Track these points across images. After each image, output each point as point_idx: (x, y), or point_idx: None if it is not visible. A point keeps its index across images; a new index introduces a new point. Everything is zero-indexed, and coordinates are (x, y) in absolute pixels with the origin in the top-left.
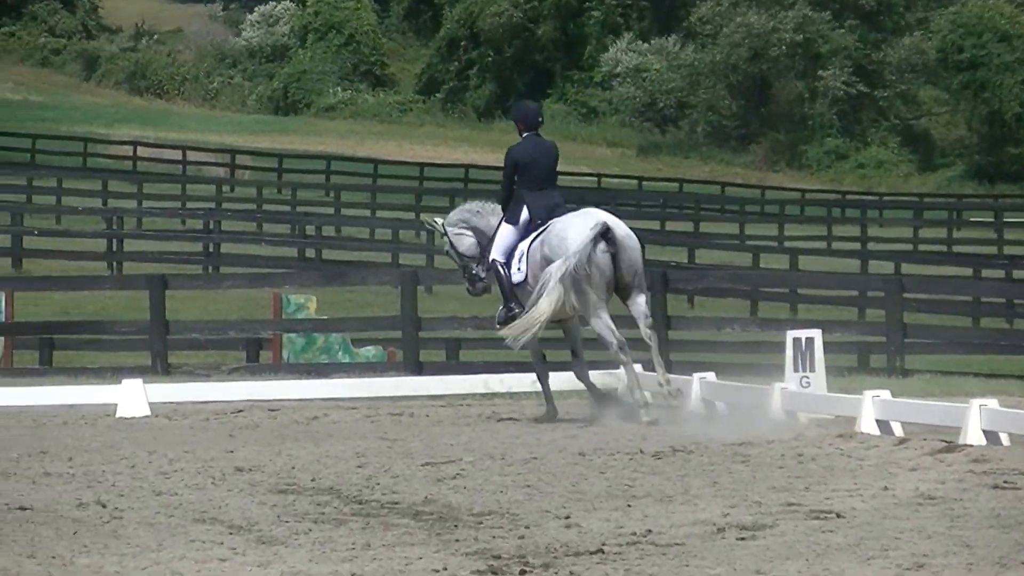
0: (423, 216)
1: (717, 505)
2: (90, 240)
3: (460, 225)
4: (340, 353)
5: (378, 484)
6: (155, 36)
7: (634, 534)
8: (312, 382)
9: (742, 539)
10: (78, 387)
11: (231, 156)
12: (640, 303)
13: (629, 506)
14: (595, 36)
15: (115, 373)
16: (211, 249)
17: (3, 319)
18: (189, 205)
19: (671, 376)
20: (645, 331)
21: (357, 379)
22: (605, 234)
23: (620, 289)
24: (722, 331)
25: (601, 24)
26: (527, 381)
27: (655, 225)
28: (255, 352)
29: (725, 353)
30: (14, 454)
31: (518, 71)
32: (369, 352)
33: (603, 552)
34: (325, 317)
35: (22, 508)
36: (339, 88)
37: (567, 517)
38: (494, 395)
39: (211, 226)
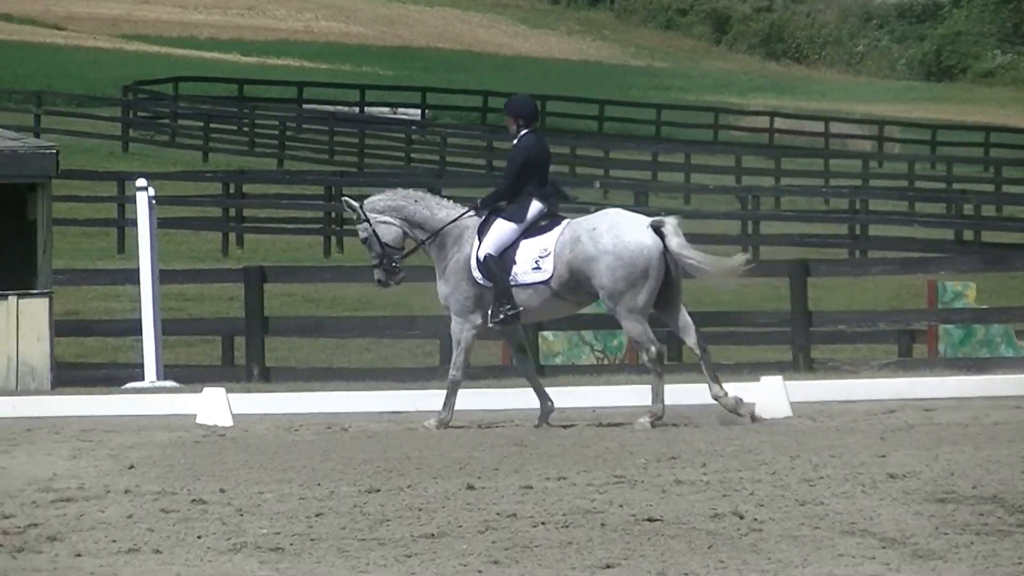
0: (343, 198)
1: None
2: (723, 221)
3: (388, 213)
4: (1003, 347)
5: None
6: None
7: None
8: (971, 379)
9: None
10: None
11: (878, 128)
12: (685, 313)
13: None
14: None
15: (753, 370)
16: (857, 231)
17: None
18: (832, 183)
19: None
20: (697, 342)
21: (1022, 375)
22: (661, 234)
23: (660, 295)
24: None
25: None
26: None
27: None
28: (907, 345)
29: None
30: (641, 460)
31: None
32: None
33: None
34: (985, 307)
35: (651, 519)
36: (998, 51)
37: None
38: None
39: (857, 206)
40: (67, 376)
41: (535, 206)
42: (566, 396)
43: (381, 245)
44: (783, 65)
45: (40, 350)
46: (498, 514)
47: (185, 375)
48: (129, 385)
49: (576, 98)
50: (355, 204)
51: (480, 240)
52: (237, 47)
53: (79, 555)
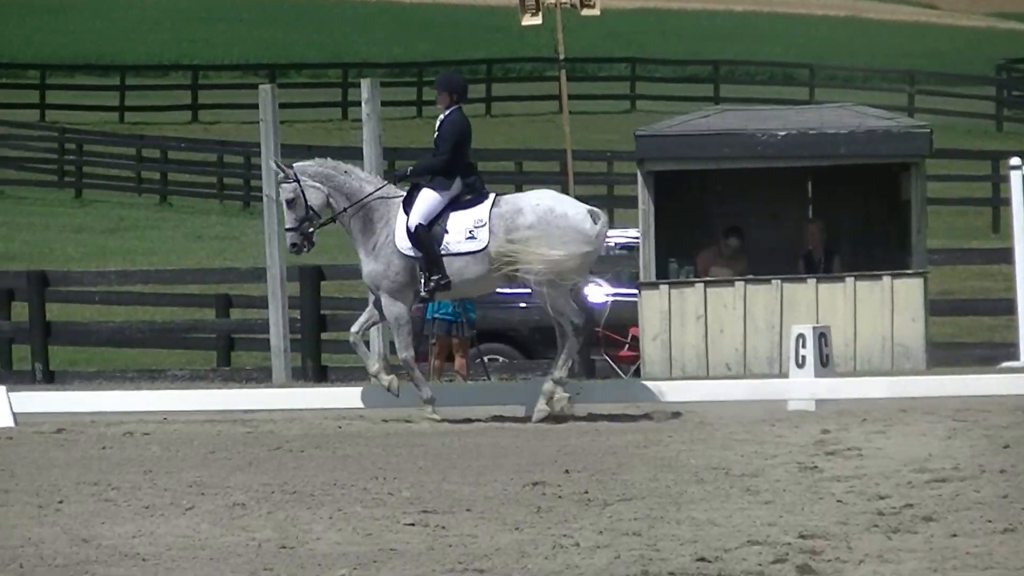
0: (272, 160)
1: None
2: None
3: (319, 179)
4: None
5: None
6: None
7: None
8: None
9: None
10: None
11: None
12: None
13: None
14: None
15: None
16: None
17: None
18: None
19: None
20: (578, 324)
21: None
22: (596, 221)
23: None
24: None
25: None
26: None
27: None
28: None
29: None
30: None
31: None
32: None
33: None
34: None
35: None
36: None
37: None
38: None
39: None
40: (941, 356)
41: (459, 180)
42: None
43: (307, 208)
44: None
45: (914, 330)
46: None
47: None
48: (1004, 364)
49: None
50: (284, 165)
51: (407, 212)
52: None
53: (954, 535)
